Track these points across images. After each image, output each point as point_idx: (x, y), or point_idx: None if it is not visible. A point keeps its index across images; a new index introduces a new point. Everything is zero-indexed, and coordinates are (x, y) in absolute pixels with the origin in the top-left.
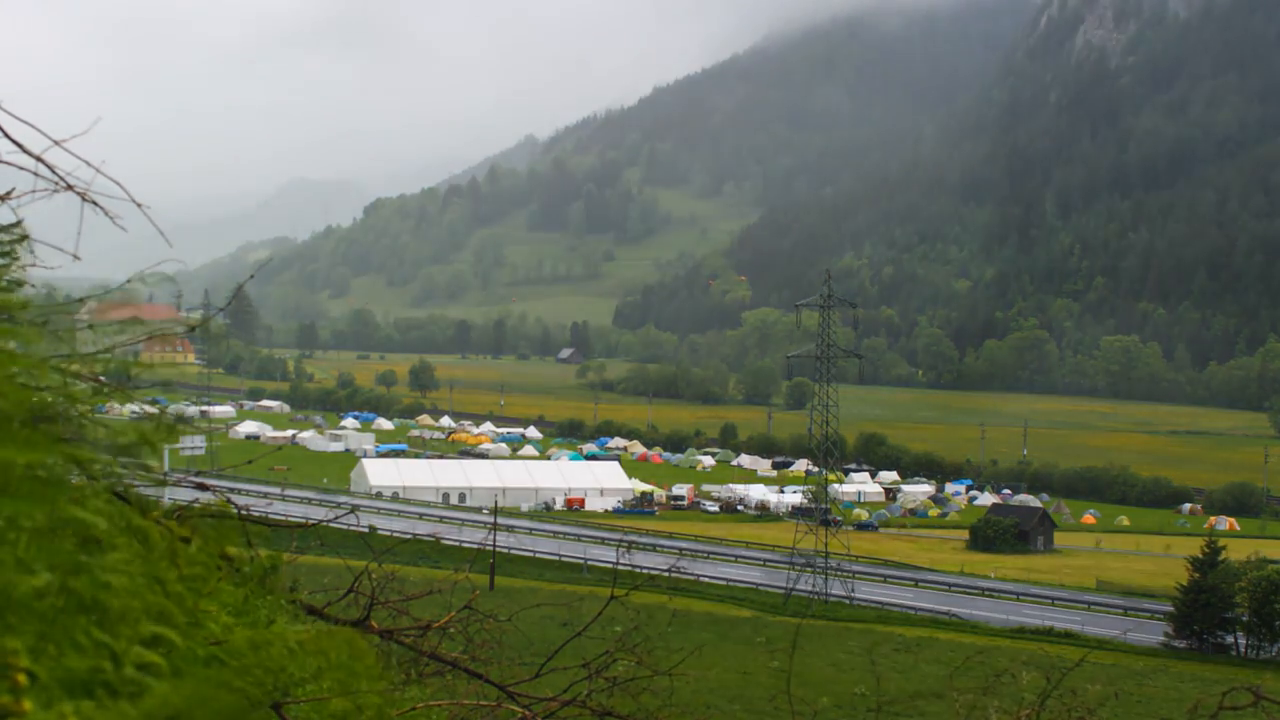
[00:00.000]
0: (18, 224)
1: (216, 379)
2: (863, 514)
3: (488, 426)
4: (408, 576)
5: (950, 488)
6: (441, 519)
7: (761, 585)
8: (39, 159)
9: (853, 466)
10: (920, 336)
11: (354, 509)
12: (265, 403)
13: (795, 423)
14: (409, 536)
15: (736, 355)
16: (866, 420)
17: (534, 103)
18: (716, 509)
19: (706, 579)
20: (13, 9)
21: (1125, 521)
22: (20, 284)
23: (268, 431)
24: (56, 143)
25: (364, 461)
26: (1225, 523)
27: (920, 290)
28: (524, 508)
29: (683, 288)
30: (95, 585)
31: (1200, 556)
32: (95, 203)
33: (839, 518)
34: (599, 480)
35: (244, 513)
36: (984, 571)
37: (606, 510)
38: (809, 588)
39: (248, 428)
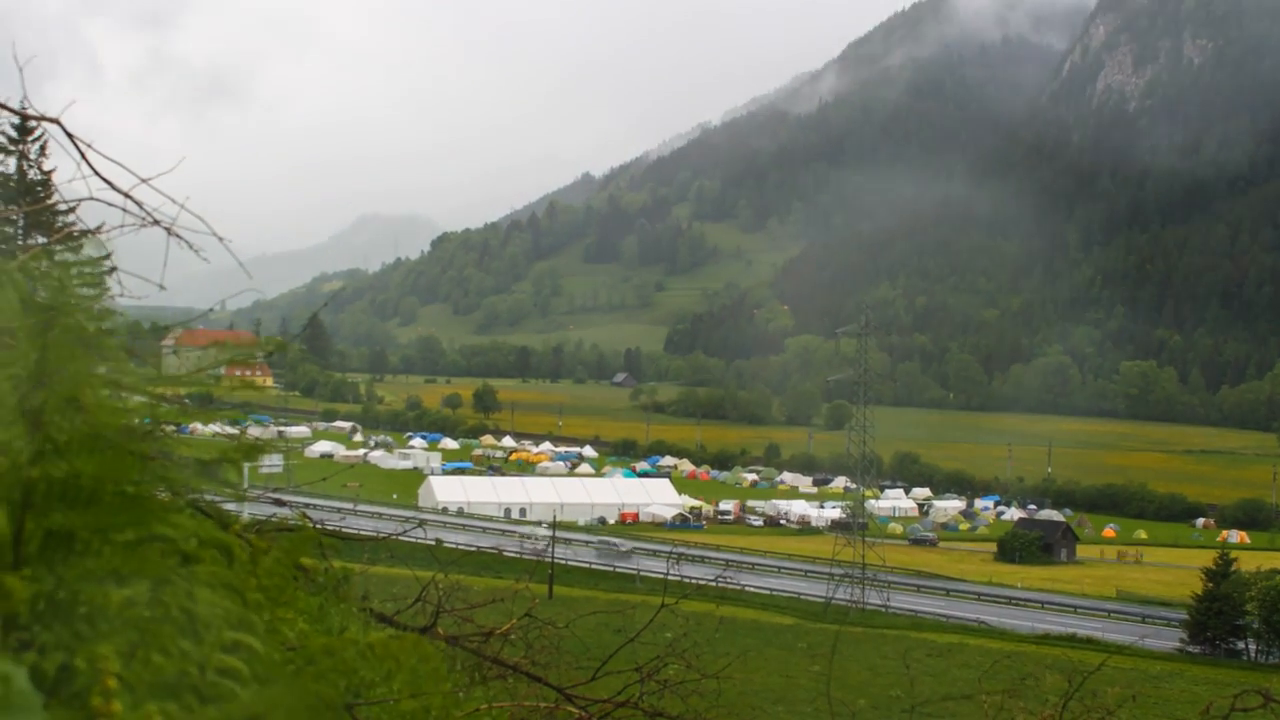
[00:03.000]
0: (107, 256)
1: (293, 401)
2: (896, 527)
3: (547, 446)
4: (472, 586)
5: (979, 503)
6: (503, 532)
7: (803, 594)
8: (127, 195)
9: (888, 483)
10: (951, 362)
11: (421, 523)
12: (338, 423)
13: (834, 442)
14: (473, 549)
15: (779, 379)
16: (901, 440)
17: (589, 142)
18: (761, 523)
19: (751, 588)
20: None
21: (1143, 535)
22: (110, 312)
23: (341, 451)
24: (143, 180)
25: (431, 479)
26: (1237, 536)
27: (951, 318)
28: (581, 522)
29: (729, 316)
30: (181, 595)
31: (1213, 568)
32: (180, 236)
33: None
34: (651, 496)
35: (319, 526)
36: (1011, 582)
37: (658, 523)
38: (847, 597)
39: (322, 447)
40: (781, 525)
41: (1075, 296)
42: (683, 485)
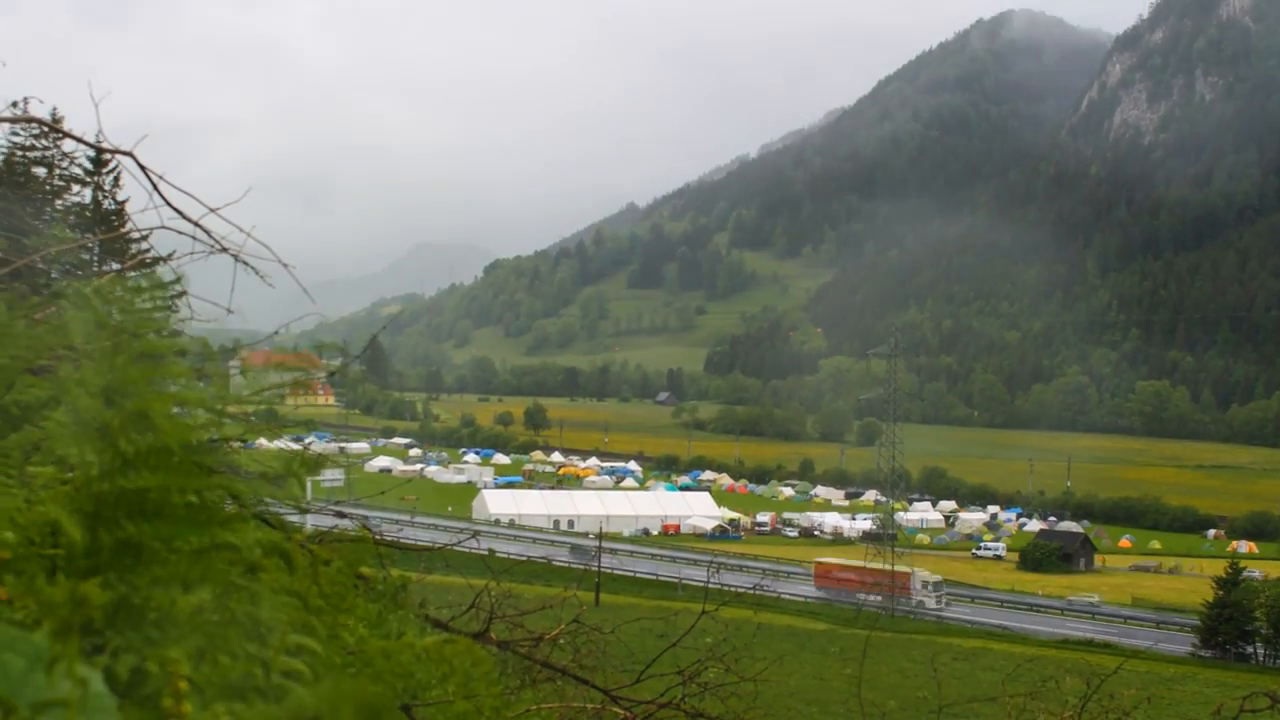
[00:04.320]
0: (177, 281)
1: (353, 419)
2: (924, 539)
3: (593, 461)
4: (522, 594)
5: (1003, 515)
6: (553, 543)
7: (836, 601)
8: (197, 224)
9: (916, 496)
10: (976, 381)
11: (475, 534)
12: (396, 440)
13: (865, 458)
14: (524, 558)
15: (813, 398)
16: (928, 455)
17: (633, 174)
18: (796, 534)
19: (787, 596)
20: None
21: (1157, 545)
22: (179, 335)
23: (398, 465)
24: (212, 209)
25: (484, 492)
26: (1246, 547)
27: (976, 341)
28: (625, 533)
29: (766, 338)
30: (246, 601)
31: (1224, 576)
32: (247, 263)
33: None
34: (692, 509)
35: (378, 537)
36: (1032, 589)
37: (699, 534)
38: (878, 603)
39: (380, 462)
40: (815, 536)
41: (1093, 320)
42: (722, 498)
